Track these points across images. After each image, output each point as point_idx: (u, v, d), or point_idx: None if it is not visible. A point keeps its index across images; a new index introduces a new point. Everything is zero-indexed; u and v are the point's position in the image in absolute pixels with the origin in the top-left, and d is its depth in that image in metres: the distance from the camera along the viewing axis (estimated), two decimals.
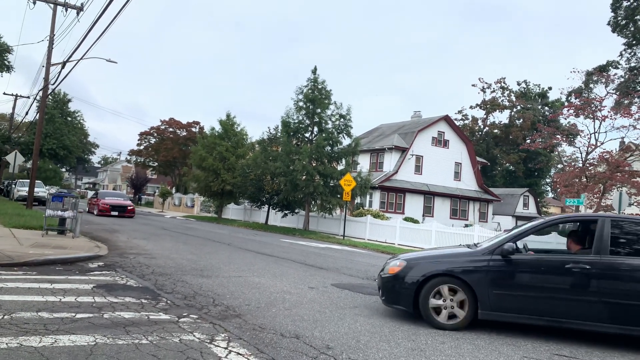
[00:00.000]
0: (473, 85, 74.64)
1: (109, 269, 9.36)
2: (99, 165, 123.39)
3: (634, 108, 26.15)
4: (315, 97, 27.38)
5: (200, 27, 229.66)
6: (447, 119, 38.80)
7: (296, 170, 26.04)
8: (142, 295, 7.04)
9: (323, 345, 5.09)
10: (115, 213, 27.52)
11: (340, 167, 28.02)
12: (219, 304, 6.82)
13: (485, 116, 63.44)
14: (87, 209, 29.84)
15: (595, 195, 24.42)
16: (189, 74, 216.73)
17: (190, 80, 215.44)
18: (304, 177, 26.34)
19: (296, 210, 30.55)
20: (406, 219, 29.30)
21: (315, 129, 28.10)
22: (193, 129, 64.12)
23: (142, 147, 67.58)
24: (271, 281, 9.20)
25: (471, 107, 64.53)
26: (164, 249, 13.38)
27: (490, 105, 62.05)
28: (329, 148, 27.55)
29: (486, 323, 6.84)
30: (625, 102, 28.16)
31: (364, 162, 35.38)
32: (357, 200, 33.11)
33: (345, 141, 28.01)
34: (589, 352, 5.74)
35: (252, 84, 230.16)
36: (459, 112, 64.33)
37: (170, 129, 65.01)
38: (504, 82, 62.41)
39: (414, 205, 35.56)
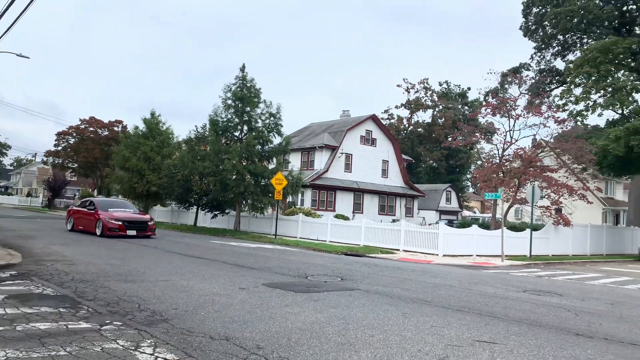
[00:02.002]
0: (398, 85, 77.29)
1: (23, 277, 8.73)
2: (12, 168, 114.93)
3: (544, 107, 28.04)
4: (244, 95, 27.07)
5: (121, 21, 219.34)
6: (374, 118, 39.79)
7: (226, 169, 25.61)
8: (61, 304, 6.64)
9: (254, 345, 5.05)
10: (133, 232, 19.74)
11: (271, 166, 27.89)
12: (145, 309, 6.58)
13: (409, 115, 65.72)
14: (71, 225, 21.96)
15: (511, 189, 25.95)
16: (110, 71, 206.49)
17: (112, 78, 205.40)
18: (234, 176, 25.96)
19: (227, 211, 30.05)
20: (337, 216, 29.72)
21: (245, 127, 27.78)
22: (115, 128, 61.66)
23: (60, 148, 64.13)
24: (200, 284, 9.00)
25: (397, 107, 66.67)
26: (85, 255, 12.70)
27: (414, 105, 64.36)
28: (260, 147, 27.35)
29: (411, 312, 7.08)
30: (536, 102, 30.14)
31: (295, 161, 35.47)
32: (289, 199, 33.15)
33: (276, 140, 27.95)
34: (507, 336, 6.11)
35: (178, 81, 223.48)
36: (386, 111, 66.21)
37: (91, 129, 62.20)
38: (427, 83, 64.98)
39: (344, 202, 36.15)
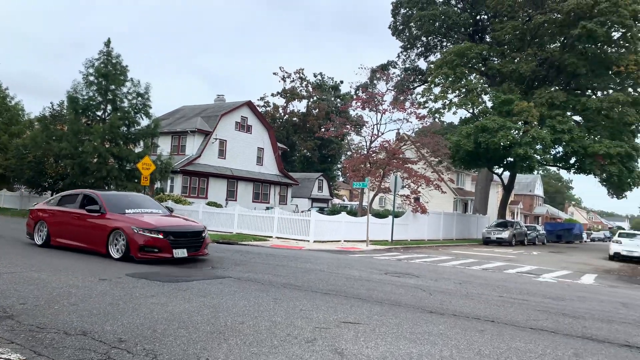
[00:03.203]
0: (274, 73, 77.17)
1: None
2: None
3: (407, 104, 30.23)
4: (109, 72, 25.12)
5: None
6: (250, 105, 39.46)
7: (86, 152, 23.60)
8: None
9: (115, 339, 4.74)
10: (183, 253, 10.92)
11: (138, 150, 26.31)
12: None
13: (285, 104, 66.31)
14: (45, 236, 12.32)
15: (377, 179, 27.59)
16: None
17: None
18: (95, 159, 24.04)
19: None
20: (209, 204, 29.06)
21: (109, 107, 25.83)
22: None
23: None
24: (54, 276, 8.21)
25: (273, 95, 66.95)
26: None
27: (290, 94, 65.08)
28: (125, 128, 25.66)
29: (281, 298, 7.20)
30: (401, 98, 32.36)
31: (164, 145, 33.83)
32: (157, 185, 31.57)
33: (144, 122, 26.43)
34: (370, 316, 6.50)
35: (29, 53, 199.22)
36: (261, 98, 66.02)
37: None
38: (303, 73, 66.06)
39: (217, 189, 35.45)
